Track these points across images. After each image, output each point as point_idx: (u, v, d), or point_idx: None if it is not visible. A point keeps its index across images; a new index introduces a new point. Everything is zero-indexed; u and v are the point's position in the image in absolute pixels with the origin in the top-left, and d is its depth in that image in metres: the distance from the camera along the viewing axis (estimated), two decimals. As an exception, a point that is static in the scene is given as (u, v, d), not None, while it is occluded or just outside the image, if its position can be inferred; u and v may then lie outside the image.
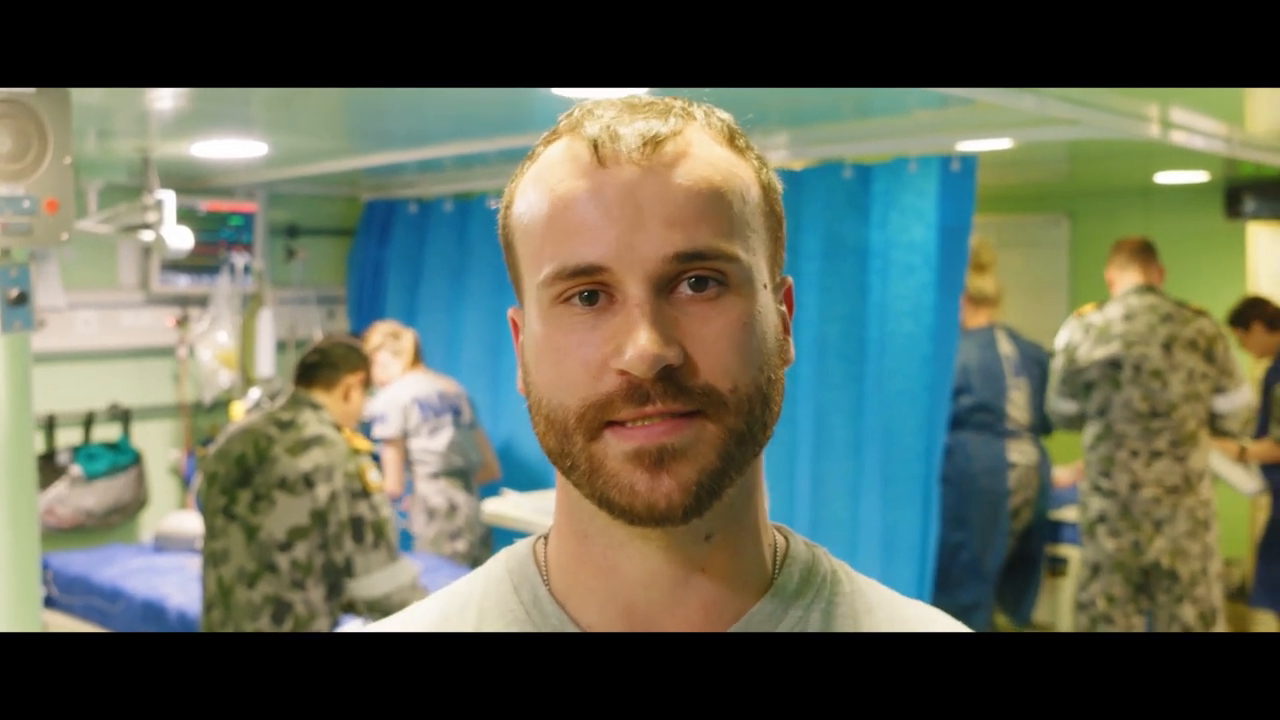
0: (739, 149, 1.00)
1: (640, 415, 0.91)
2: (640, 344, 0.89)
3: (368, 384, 3.89)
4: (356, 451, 3.63)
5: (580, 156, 0.95)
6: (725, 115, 1.01)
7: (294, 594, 3.51)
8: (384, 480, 4.97)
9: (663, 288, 0.92)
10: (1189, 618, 4.76)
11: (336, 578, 3.57)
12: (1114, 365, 4.83)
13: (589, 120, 0.96)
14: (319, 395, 3.74)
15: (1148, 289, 4.91)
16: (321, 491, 3.51)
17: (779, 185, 1.03)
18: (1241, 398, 4.81)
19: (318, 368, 3.78)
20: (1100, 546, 4.86)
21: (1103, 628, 4.89)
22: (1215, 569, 4.82)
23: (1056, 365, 5.06)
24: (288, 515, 3.51)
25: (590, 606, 1.00)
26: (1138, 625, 4.90)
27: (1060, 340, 5.06)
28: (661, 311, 0.91)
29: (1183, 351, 4.76)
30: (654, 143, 0.93)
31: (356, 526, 3.53)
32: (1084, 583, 4.96)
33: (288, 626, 3.51)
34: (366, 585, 3.54)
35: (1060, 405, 5.09)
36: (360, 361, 3.86)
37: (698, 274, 0.92)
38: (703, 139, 0.97)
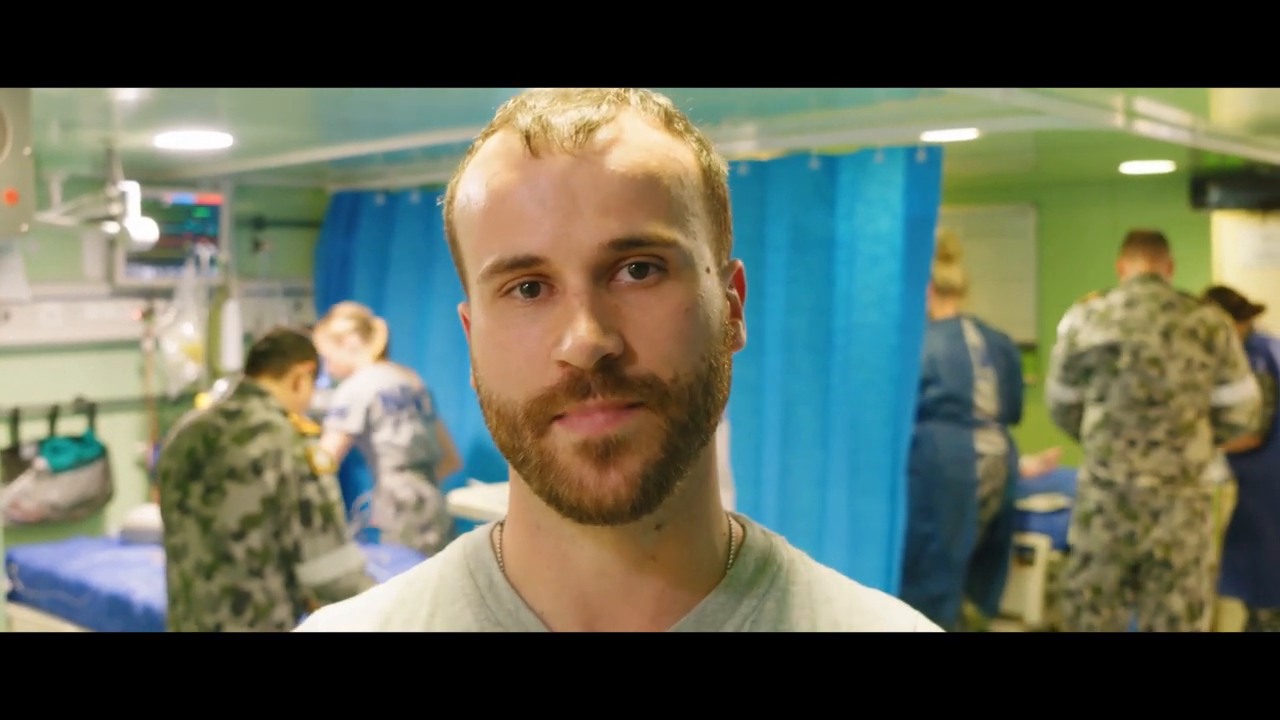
0: (677, 132, 0.99)
1: (581, 409, 0.91)
2: (579, 334, 0.89)
3: (317, 374, 3.88)
4: (303, 435, 3.62)
5: (514, 149, 0.95)
6: (663, 99, 1.01)
7: (252, 583, 3.50)
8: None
9: (601, 276, 0.92)
10: (1177, 608, 4.76)
11: (290, 564, 3.57)
12: (1112, 351, 4.84)
13: (521, 112, 0.96)
14: (267, 383, 3.73)
15: (1152, 278, 4.91)
16: (270, 477, 3.50)
17: (722, 168, 1.02)
18: (1247, 389, 4.79)
19: (267, 356, 3.77)
20: (1095, 537, 4.87)
21: (1086, 617, 4.90)
22: (1208, 561, 4.83)
23: (1057, 351, 5.07)
24: (239, 504, 3.50)
25: (544, 594, 1.01)
26: (1121, 617, 4.92)
27: (1063, 326, 5.07)
28: (601, 300, 0.91)
29: (1182, 340, 4.76)
30: (586, 130, 0.93)
31: (304, 510, 3.52)
32: (1073, 571, 4.97)
33: (247, 616, 3.50)
34: (315, 570, 3.52)
35: (1059, 392, 5.07)
36: (310, 351, 3.85)
37: (637, 261, 0.92)
38: (637, 124, 0.96)
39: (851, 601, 1.06)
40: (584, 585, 0.99)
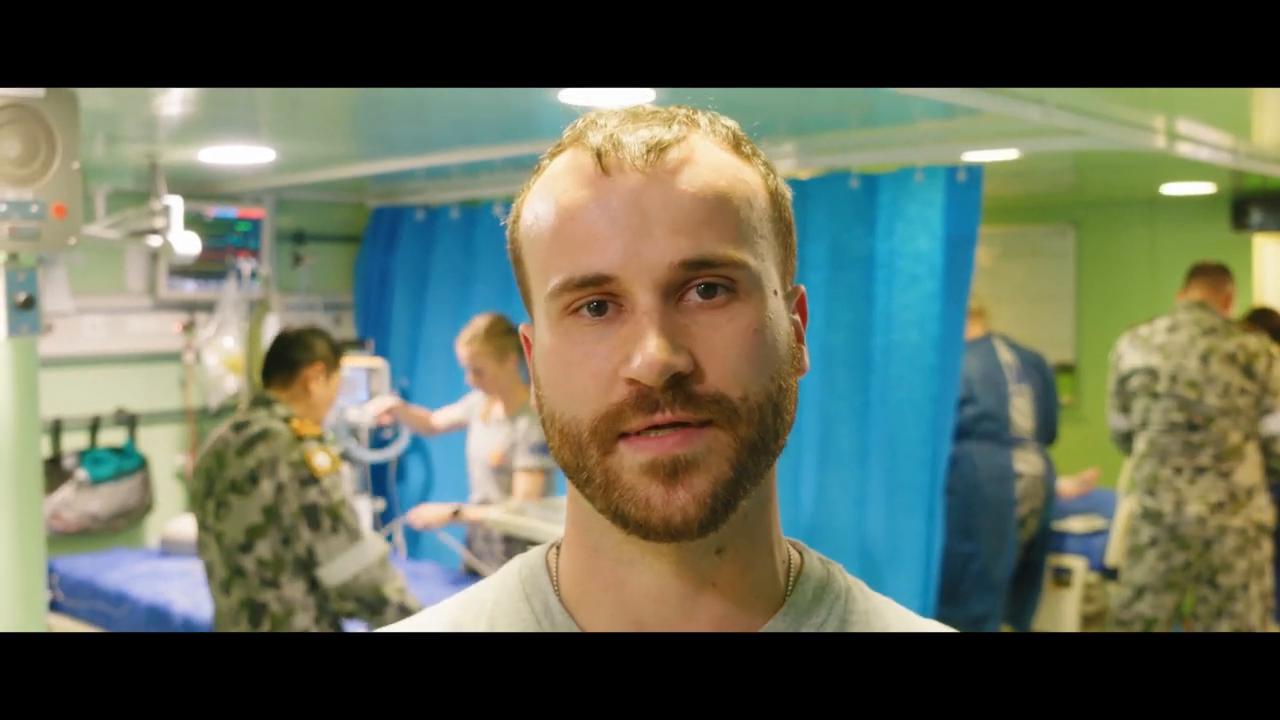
0: (745, 155, 0.99)
1: (650, 424, 0.90)
2: (649, 351, 0.88)
3: (331, 372, 3.80)
4: (301, 438, 3.57)
5: (584, 167, 0.94)
6: (730, 122, 1.01)
7: (266, 593, 3.49)
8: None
9: (671, 295, 0.91)
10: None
11: (309, 570, 3.56)
12: (1151, 375, 4.86)
13: (592, 130, 0.96)
14: (276, 393, 3.71)
15: (1199, 305, 4.92)
16: (266, 486, 3.49)
17: (787, 192, 1.02)
18: None
19: (273, 366, 3.76)
20: (1150, 568, 4.87)
21: None
22: (1259, 589, 4.80)
23: (1110, 378, 5.14)
24: (242, 516, 3.50)
25: (600, 618, 0.99)
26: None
27: (1114, 353, 5.12)
28: (670, 319, 0.90)
29: (1220, 364, 4.75)
30: (658, 150, 0.93)
31: (310, 514, 3.49)
32: (1126, 603, 4.98)
33: (265, 627, 3.49)
34: (333, 571, 3.50)
35: (1114, 419, 5.15)
36: (318, 352, 3.77)
37: (706, 281, 0.91)
38: (707, 145, 0.96)
39: (910, 632, 1.05)
40: (641, 610, 0.98)
